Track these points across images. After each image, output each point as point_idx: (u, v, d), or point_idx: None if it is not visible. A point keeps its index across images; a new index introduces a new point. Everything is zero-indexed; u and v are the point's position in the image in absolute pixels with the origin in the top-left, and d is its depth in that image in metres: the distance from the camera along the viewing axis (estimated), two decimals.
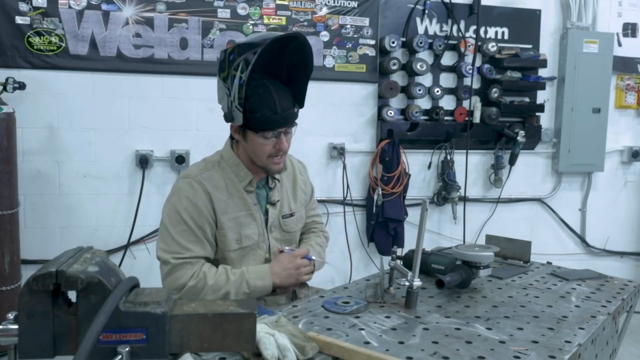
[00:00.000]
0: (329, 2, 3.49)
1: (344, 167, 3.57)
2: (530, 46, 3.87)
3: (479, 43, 3.71)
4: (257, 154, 1.76)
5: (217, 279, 1.69)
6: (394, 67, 3.53)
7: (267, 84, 1.68)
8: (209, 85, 3.30)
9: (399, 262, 1.68)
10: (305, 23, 3.45)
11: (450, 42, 3.71)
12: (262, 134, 1.71)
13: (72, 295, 0.79)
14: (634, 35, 4.14)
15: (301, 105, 1.79)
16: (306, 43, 1.70)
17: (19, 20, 3.03)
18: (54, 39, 3.08)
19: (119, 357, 0.75)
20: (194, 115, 3.34)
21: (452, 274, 1.67)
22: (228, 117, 1.71)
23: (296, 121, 1.78)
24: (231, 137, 1.85)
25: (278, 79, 1.75)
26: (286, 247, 1.87)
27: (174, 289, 1.69)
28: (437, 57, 3.70)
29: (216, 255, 1.81)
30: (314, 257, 1.87)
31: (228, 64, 1.66)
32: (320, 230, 2.12)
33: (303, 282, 1.89)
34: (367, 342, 1.30)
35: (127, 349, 0.76)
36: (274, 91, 1.68)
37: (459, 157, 3.74)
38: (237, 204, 1.80)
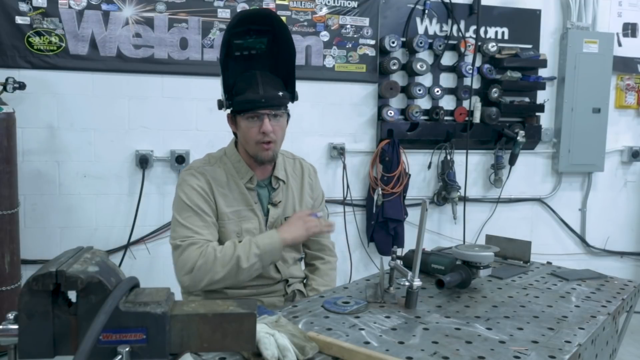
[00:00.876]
0: (329, 2, 3.49)
1: (344, 167, 3.57)
2: (530, 46, 3.87)
3: (479, 43, 3.72)
4: (246, 140, 1.78)
5: (225, 252, 1.69)
6: (394, 67, 3.53)
7: (255, 72, 1.75)
8: (209, 85, 3.33)
9: (399, 262, 1.68)
10: (305, 23, 3.45)
11: (450, 42, 3.71)
12: (246, 115, 1.74)
13: (72, 295, 0.79)
14: (634, 35, 4.14)
15: (292, 91, 1.81)
16: (279, 19, 1.78)
17: (19, 20, 3.03)
18: (54, 39, 3.08)
19: (119, 357, 0.75)
20: (194, 115, 3.34)
21: (452, 274, 1.67)
22: (219, 104, 1.79)
23: (289, 111, 1.81)
24: (234, 134, 1.87)
25: (275, 73, 1.79)
26: (316, 214, 1.87)
27: (185, 272, 1.70)
28: (437, 57, 3.71)
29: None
30: (319, 214, 1.85)
31: (220, 57, 1.76)
32: (326, 259, 2.05)
33: (312, 234, 1.84)
34: (367, 342, 1.30)
35: (127, 349, 0.76)
36: (260, 75, 1.75)
37: (459, 157, 3.74)
38: (238, 199, 1.81)
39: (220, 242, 1.79)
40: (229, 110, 1.81)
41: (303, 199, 1.95)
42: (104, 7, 3.14)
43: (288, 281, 1.92)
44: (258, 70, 1.77)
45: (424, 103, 3.69)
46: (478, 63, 3.75)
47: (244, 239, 1.74)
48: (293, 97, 1.81)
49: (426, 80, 3.68)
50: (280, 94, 1.75)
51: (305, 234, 1.79)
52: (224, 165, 1.85)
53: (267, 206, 1.87)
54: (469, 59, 3.71)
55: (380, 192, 3.54)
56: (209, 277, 1.68)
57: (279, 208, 1.88)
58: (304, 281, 2.01)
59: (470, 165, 3.79)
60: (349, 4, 3.53)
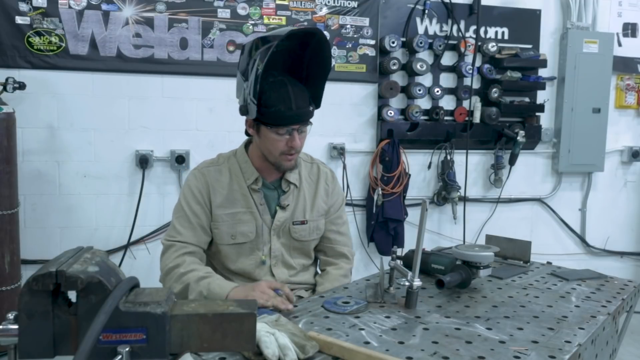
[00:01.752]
0: (329, 2, 3.49)
1: (344, 167, 3.57)
2: (530, 46, 3.87)
3: (479, 43, 3.72)
4: (269, 150, 1.75)
5: (186, 270, 1.69)
6: (394, 67, 3.53)
7: (284, 80, 1.68)
8: (209, 85, 3.33)
9: (399, 262, 1.68)
10: (305, 23, 3.45)
11: (450, 42, 3.71)
12: (275, 129, 1.70)
13: (72, 295, 0.78)
14: (634, 35, 4.14)
15: (317, 105, 1.78)
16: (325, 40, 1.70)
17: (19, 20, 3.03)
18: (54, 39, 3.08)
19: (119, 357, 0.75)
20: (194, 115, 3.34)
21: (452, 274, 1.67)
22: (243, 110, 1.71)
23: (311, 120, 1.77)
24: (246, 134, 1.85)
25: (298, 77, 1.74)
26: (279, 290, 1.60)
27: (161, 271, 1.77)
28: (437, 57, 3.71)
29: (212, 248, 1.83)
30: (281, 293, 1.58)
31: (247, 56, 1.66)
32: (340, 264, 1.95)
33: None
34: (367, 342, 1.30)
35: (127, 349, 0.76)
36: (291, 88, 1.67)
37: (459, 157, 3.74)
38: (237, 200, 1.80)
39: (215, 242, 1.81)
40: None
41: (315, 204, 1.91)
42: (104, 7, 3.14)
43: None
44: (285, 77, 1.70)
45: (424, 103, 3.69)
46: (478, 63, 3.75)
47: (206, 275, 1.68)
48: (317, 106, 1.79)
49: (426, 80, 3.68)
50: (310, 108, 1.73)
51: (243, 297, 1.58)
52: (231, 165, 1.85)
53: (275, 208, 1.84)
54: (469, 59, 3.71)
55: (380, 192, 3.54)
56: (170, 285, 1.70)
57: (287, 212, 1.84)
58: (315, 287, 1.93)
59: (470, 165, 3.79)
60: (349, 4, 3.53)
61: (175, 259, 1.74)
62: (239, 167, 1.83)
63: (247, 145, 1.89)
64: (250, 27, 3.36)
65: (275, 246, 1.84)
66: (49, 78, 3.10)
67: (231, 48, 3.34)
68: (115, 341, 0.76)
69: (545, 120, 3.98)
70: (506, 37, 3.84)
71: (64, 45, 3.10)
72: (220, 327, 0.82)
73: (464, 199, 3.76)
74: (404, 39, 3.61)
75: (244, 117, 1.77)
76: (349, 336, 1.33)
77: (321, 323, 1.42)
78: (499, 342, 1.32)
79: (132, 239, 3.27)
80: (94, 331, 0.68)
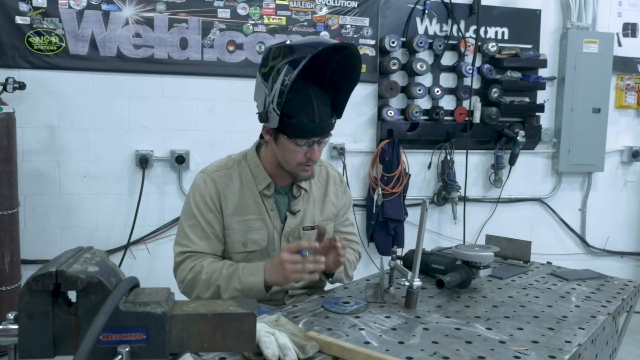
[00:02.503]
0: (329, 2, 3.49)
1: (344, 167, 3.57)
2: (530, 46, 3.87)
3: (479, 43, 3.72)
4: (286, 159, 1.70)
5: (210, 275, 1.66)
6: (394, 67, 3.54)
7: (308, 90, 1.61)
8: (209, 86, 3.34)
9: (399, 262, 1.68)
10: (306, 23, 3.45)
11: (450, 42, 3.71)
12: (295, 140, 1.64)
13: (73, 295, 0.79)
14: (634, 35, 4.14)
15: (339, 115, 1.72)
16: (358, 55, 1.64)
17: (19, 20, 3.03)
18: (54, 39, 3.08)
19: (119, 357, 0.75)
20: (194, 115, 3.34)
21: (452, 274, 1.67)
22: (263, 118, 1.64)
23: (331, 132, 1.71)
24: (260, 137, 1.79)
25: (320, 85, 1.68)
26: (302, 251, 1.60)
27: (179, 282, 1.73)
28: (437, 57, 3.71)
29: (224, 255, 1.79)
30: (306, 253, 1.58)
31: (272, 61, 1.60)
32: (350, 247, 1.92)
33: (295, 281, 1.65)
34: (367, 342, 1.30)
35: (127, 349, 0.76)
36: (315, 99, 1.60)
37: (459, 157, 3.74)
38: (249, 207, 1.76)
39: (227, 250, 1.76)
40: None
41: (325, 208, 1.88)
42: (104, 7, 3.14)
43: (288, 292, 1.82)
44: (310, 86, 1.62)
45: (424, 103, 3.69)
46: (478, 63, 3.75)
47: (233, 266, 1.67)
48: (339, 117, 1.73)
49: (426, 80, 3.68)
50: (333, 120, 1.68)
51: (284, 281, 1.60)
52: (242, 169, 1.79)
53: (285, 214, 1.81)
54: (469, 59, 3.71)
55: (380, 192, 3.54)
56: (195, 294, 1.68)
57: (297, 217, 1.81)
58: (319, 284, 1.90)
59: (470, 165, 3.79)
60: (349, 4, 3.53)
61: (192, 268, 1.69)
62: (250, 171, 1.79)
63: (257, 146, 1.83)
64: (250, 27, 3.36)
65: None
66: (49, 78, 3.10)
67: (231, 48, 3.34)
68: (115, 341, 0.76)
69: (545, 120, 3.98)
70: (506, 37, 3.84)
71: (64, 45, 3.10)
72: (220, 327, 0.82)
73: (464, 199, 3.76)
74: (404, 39, 3.61)
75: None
76: (349, 336, 1.33)
77: (321, 323, 1.43)
78: (499, 342, 1.32)
79: (132, 239, 3.27)
80: (94, 331, 0.69)
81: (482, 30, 3.77)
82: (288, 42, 1.63)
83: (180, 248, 1.74)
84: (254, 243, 1.75)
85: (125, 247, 3.27)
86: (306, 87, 1.60)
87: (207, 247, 1.73)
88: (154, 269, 3.33)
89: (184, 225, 1.75)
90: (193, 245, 1.72)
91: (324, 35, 3.47)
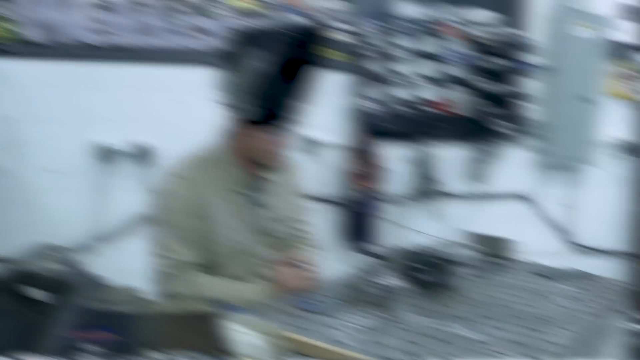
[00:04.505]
0: None
1: (318, 162, 3.64)
2: (516, 30, 3.91)
3: (462, 27, 3.80)
4: (256, 149, 1.80)
5: (200, 289, 1.71)
6: (370, 54, 3.62)
7: (278, 78, 1.69)
8: (175, 75, 3.36)
9: (376, 260, 1.76)
10: (277, 6, 3.50)
11: (431, 26, 3.77)
12: (264, 128, 1.74)
13: (39, 293, 0.81)
14: (630, 19, 4.17)
15: (308, 103, 1.82)
16: (321, 36, 1.75)
17: None
18: (7, 25, 3.16)
19: (86, 355, 0.79)
20: (159, 107, 3.38)
21: (430, 273, 1.74)
22: (230, 108, 1.74)
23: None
24: (227, 128, 1.86)
25: (291, 75, 1.75)
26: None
27: (168, 294, 1.71)
28: (417, 42, 3.76)
29: (206, 257, 1.84)
30: (300, 264, 1.80)
31: (239, 50, 1.69)
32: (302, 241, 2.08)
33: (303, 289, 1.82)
34: (343, 342, 1.36)
35: (94, 347, 0.79)
36: (284, 87, 1.71)
37: (439, 151, 3.83)
38: (224, 206, 1.82)
39: (209, 253, 1.83)
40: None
41: (291, 199, 2.01)
42: None
43: None
44: (277, 74, 1.72)
45: (403, 93, 3.76)
46: (461, 49, 3.82)
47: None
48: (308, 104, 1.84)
49: (405, 68, 3.76)
50: (301, 108, 1.80)
51: (293, 291, 1.76)
52: (210, 167, 1.85)
53: (256, 208, 1.89)
54: (451, 45, 3.79)
55: (356, 188, 3.63)
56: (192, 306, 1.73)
57: (268, 210, 1.90)
58: None
59: (452, 159, 3.87)
60: None
61: (180, 281, 1.71)
62: (221, 166, 1.85)
63: (223, 138, 1.89)
64: (219, 11, 3.44)
65: (262, 249, 1.90)
66: (2, 67, 3.14)
67: (198, 34, 3.42)
68: (82, 339, 0.80)
69: (532, 110, 4.02)
70: (491, 21, 3.88)
71: (18, 31, 3.15)
72: (189, 326, 0.87)
73: (445, 195, 3.86)
74: (381, 24, 3.66)
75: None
76: (325, 336, 1.39)
77: (296, 323, 1.48)
78: (479, 342, 1.38)
79: (96, 236, 3.35)
80: (60, 329, 0.74)
81: (465, 14, 3.82)
82: (254, 26, 1.76)
83: (163, 259, 1.75)
84: (233, 242, 1.82)
85: (88, 245, 3.33)
86: (276, 76, 1.68)
87: (189, 254, 1.77)
88: (118, 267, 3.46)
89: (160, 234, 1.78)
90: (174, 254, 1.75)
91: (296, 18, 3.52)
